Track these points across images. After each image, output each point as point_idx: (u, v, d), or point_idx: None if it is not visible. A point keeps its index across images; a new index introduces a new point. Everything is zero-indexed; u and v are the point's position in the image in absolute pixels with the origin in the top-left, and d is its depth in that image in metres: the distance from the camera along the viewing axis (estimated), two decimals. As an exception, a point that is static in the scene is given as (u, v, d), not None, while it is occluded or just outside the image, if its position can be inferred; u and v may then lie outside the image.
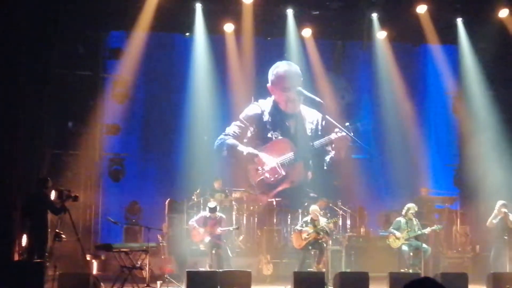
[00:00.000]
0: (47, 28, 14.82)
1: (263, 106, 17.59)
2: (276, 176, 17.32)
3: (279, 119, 17.61)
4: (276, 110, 17.59)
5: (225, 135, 17.38)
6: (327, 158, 17.54)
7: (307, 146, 17.39)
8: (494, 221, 13.79)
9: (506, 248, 13.55)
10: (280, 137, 17.54)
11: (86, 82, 15.91)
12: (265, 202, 16.55)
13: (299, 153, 17.38)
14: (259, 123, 17.51)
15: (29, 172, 14.21)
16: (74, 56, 15.63)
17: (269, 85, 17.51)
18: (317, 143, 17.27)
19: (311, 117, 17.75)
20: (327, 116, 17.26)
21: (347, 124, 17.10)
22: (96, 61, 16.32)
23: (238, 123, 17.44)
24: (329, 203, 15.78)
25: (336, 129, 17.10)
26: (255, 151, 17.34)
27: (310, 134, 17.64)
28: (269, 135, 17.52)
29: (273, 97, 17.61)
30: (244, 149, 17.34)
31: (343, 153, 17.40)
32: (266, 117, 17.56)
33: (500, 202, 13.85)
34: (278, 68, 17.53)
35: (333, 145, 17.35)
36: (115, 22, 16.29)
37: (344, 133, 16.96)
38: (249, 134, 17.46)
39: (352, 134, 16.93)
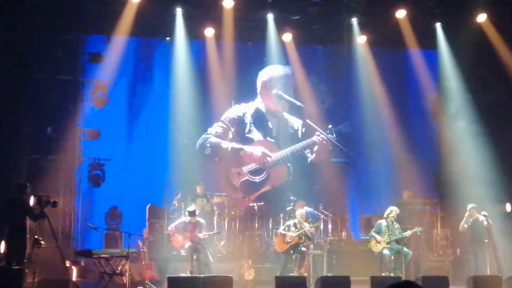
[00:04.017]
0: (25, 31, 14.70)
1: (245, 109, 17.72)
2: (266, 163, 17.38)
3: (262, 122, 17.75)
4: (259, 113, 17.74)
5: (207, 134, 17.47)
6: (306, 161, 17.65)
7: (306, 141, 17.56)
8: (466, 225, 13.97)
9: (486, 251, 13.66)
10: (263, 139, 17.65)
11: (65, 86, 15.81)
12: (246, 206, 16.53)
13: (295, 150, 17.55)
14: (240, 125, 17.64)
15: (8, 177, 14.09)
16: (53, 60, 15.52)
17: (264, 80, 17.65)
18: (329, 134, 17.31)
19: (292, 123, 17.93)
20: (307, 121, 17.33)
21: (330, 126, 17.22)
22: (76, 65, 16.22)
23: (220, 123, 17.57)
24: (306, 206, 15.79)
25: (317, 132, 17.23)
26: (240, 145, 17.46)
27: (291, 138, 17.74)
28: (250, 136, 17.63)
29: (257, 100, 17.76)
30: (228, 145, 17.49)
31: (324, 155, 17.50)
32: (248, 119, 17.67)
33: (470, 205, 14.02)
34: (278, 68, 17.71)
35: (315, 148, 17.40)
36: (95, 26, 16.19)
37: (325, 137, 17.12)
38: (230, 136, 17.59)
39: (334, 136, 17.02)
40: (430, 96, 18.02)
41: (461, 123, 17.09)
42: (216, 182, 17.18)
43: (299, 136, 17.78)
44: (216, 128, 17.51)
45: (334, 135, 17.07)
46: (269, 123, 17.80)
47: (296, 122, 17.89)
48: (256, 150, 17.53)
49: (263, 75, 17.70)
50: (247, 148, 17.52)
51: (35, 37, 15.17)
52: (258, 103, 17.78)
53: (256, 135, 17.66)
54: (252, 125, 17.64)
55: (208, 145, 17.31)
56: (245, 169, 17.40)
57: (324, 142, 17.33)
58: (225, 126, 17.52)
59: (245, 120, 17.65)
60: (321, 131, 17.09)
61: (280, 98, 17.62)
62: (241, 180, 17.42)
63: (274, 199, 17.04)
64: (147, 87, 17.37)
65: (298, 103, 17.64)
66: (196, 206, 14.27)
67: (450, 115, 17.28)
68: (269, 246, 15.31)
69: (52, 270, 12.71)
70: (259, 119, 17.72)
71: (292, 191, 16.93)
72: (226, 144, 17.43)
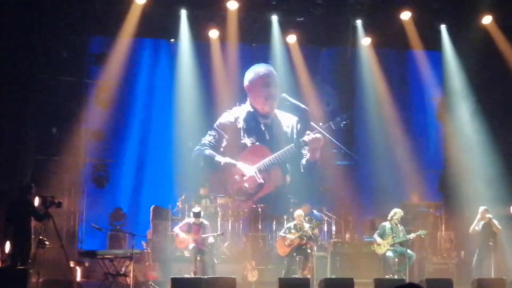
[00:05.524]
0: (30, 33, 14.73)
1: (237, 113, 17.64)
2: (255, 185, 17.38)
3: (254, 125, 17.68)
4: (251, 116, 17.68)
5: (202, 145, 17.39)
6: (303, 161, 17.64)
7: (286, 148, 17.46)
8: (477, 228, 13.94)
9: (491, 254, 13.66)
10: (256, 143, 17.59)
11: (70, 87, 15.78)
12: (250, 207, 16.53)
13: (279, 157, 17.45)
14: (234, 130, 17.55)
15: (13, 178, 14.11)
16: (58, 62, 15.52)
17: (247, 84, 17.59)
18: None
19: (286, 121, 17.84)
20: (312, 123, 17.32)
21: (320, 124, 17.24)
22: (80, 66, 16.21)
23: (212, 132, 17.46)
24: (311, 209, 15.80)
25: (308, 131, 17.26)
26: (233, 161, 17.39)
27: (285, 138, 17.69)
28: (244, 141, 17.56)
29: (248, 103, 17.69)
30: (222, 160, 17.39)
31: (318, 155, 17.48)
32: (240, 124, 17.61)
33: (482, 208, 13.96)
34: (257, 68, 17.67)
35: (308, 147, 17.42)
36: (100, 28, 16.16)
37: (317, 134, 17.18)
38: (224, 142, 17.49)
39: (327, 133, 17.14)
40: (435, 98, 17.99)
41: (468, 125, 17.05)
42: (220, 184, 17.15)
43: (294, 133, 17.72)
44: (209, 137, 17.38)
45: (324, 132, 17.07)
46: (261, 126, 17.73)
47: (289, 120, 17.81)
48: (247, 171, 17.36)
49: (246, 77, 17.62)
50: (240, 165, 17.36)
51: (40, 38, 15.17)
52: (248, 106, 17.72)
53: (249, 140, 17.58)
54: (245, 130, 17.58)
55: (202, 159, 17.24)
56: (238, 177, 17.37)
57: (316, 140, 17.27)
58: (218, 135, 17.42)
59: (237, 125, 17.57)
60: (320, 129, 17.12)
61: (285, 101, 17.59)
62: (238, 187, 17.35)
63: (275, 201, 17.06)
64: (152, 89, 17.37)
65: (303, 106, 17.62)
66: (200, 207, 14.28)
67: (464, 116, 17.16)
68: (273, 247, 15.29)
69: (57, 270, 12.75)
70: (251, 123, 17.64)
71: (293, 193, 16.87)
72: (219, 159, 17.35)
